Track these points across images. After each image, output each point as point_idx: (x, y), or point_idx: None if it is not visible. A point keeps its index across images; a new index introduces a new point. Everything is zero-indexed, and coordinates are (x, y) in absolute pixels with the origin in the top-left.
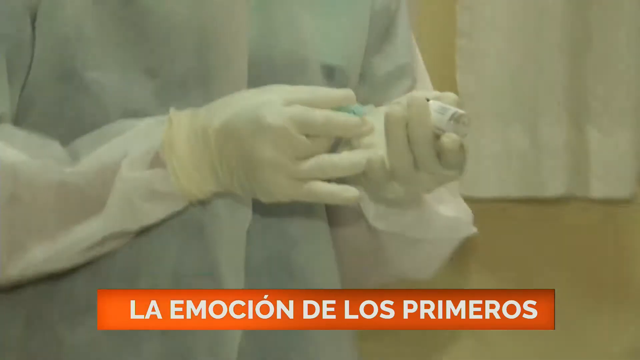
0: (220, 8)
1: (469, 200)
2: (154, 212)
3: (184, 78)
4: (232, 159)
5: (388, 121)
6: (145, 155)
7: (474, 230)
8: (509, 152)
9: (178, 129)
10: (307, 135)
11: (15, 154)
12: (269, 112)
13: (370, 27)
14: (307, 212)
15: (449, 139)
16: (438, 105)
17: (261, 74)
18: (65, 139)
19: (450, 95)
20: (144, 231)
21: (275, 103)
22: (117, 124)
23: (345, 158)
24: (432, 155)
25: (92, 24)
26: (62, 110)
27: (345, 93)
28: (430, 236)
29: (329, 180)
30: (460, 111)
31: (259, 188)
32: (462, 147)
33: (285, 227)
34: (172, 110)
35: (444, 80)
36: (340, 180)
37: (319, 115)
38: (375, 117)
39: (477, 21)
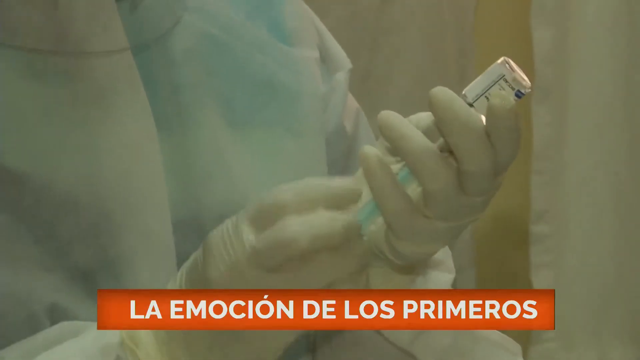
0: (125, 178)
1: None
2: None
3: (89, 269)
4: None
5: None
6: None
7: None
8: None
9: None
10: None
11: None
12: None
13: (328, 159)
14: None
15: (498, 98)
16: (469, 87)
17: (188, 232)
18: None
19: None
20: None
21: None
22: (52, 330)
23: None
24: (490, 153)
25: None
26: None
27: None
28: None
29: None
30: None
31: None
32: (515, 111)
33: None
34: None
35: None
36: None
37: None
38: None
39: None
